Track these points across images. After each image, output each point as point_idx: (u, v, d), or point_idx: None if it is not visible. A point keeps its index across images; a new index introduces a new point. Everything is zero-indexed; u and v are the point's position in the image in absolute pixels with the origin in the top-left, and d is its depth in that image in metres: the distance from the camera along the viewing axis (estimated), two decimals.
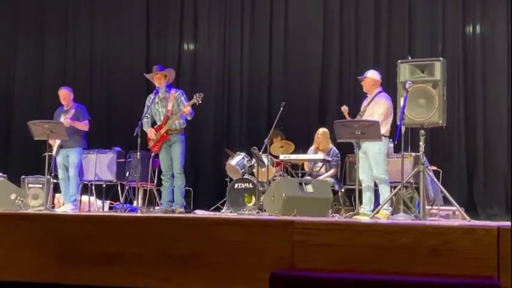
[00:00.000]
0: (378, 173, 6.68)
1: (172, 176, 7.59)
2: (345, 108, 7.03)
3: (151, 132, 7.57)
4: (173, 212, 7.42)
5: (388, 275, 3.18)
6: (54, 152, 7.90)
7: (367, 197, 6.79)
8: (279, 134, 8.98)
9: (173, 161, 7.56)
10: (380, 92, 6.94)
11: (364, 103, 7.01)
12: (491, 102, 9.49)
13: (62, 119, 7.94)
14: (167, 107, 7.58)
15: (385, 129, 6.69)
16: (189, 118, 7.65)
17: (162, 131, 7.54)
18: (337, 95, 10.05)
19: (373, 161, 6.69)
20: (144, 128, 7.58)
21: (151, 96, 7.71)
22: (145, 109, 7.69)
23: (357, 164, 6.73)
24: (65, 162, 7.97)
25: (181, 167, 7.56)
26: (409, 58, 6.18)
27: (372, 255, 3.47)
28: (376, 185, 6.83)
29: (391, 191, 6.69)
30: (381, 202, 6.67)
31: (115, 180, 8.80)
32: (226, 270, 3.68)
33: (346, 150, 8.29)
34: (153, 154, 7.91)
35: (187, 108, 7.46)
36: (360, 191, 6.74)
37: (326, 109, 10.14)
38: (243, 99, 10.75)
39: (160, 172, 7.97)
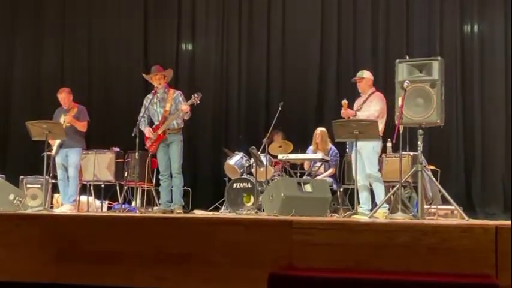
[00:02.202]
0: (371, 171, 6.71)
1: (170, 176, 7.59)
2: (345, 102, 7.03)
3: (149, 132, 7.58)
4: (172, 212, 7.42)
5: (387, 274, 3.19)
6: (53, 152, 7.88)
7: (364, 196, 6.80)
8: (280, 134, 8.98)
9: (171, 161, 7.56)
10: (374, 92, 7.03)
11: (359, 102, 7.05)
12: (489, 102, 9.50)
13: (63, 119, 7.92)
14: (165, 108, 7.59)
15: (379, 128, 6.69)
16: (185, 118, 7.65)
17: (159, 131, 7.55)
18: (335, 95, 10.05)
19: (367, 159, 6.72)
20: (141, 127, 7.58)
21: (150, 96, 7.73)
22: (143, 109, 7.70)
23: (353, 163, 6.74)
24: (63, 162, 7.96)
25: (180, 167, 7.57)
26: (407, 58, 6.20)
27: (371, 255, 3.47)
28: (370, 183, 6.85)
29: (389, 190, 6.70)
30: (376, 200, 6.69)
31: (113, 181, 8.79)
32: (225, 269, 3.68)
33: (345, 150, 8.30)
34: (150, 154, 7.91)
35: (185, 107, 7.46)
36: (358, 191, 6.76)
37: (324, 109, 10.16)
38: (241, 98, 10.76)
39: (158, 172, 7.97)
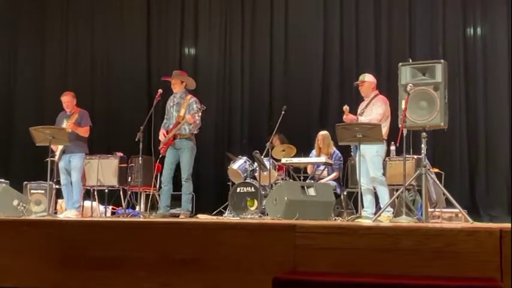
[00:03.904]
0: (376, 175, 6.70)
1: (172, 180, 7.59)
2: (346, 108, 7.04)
3: (161, 135, 7.61)
4: (170, 216, 7.40)
5: (391, 277, 3.18)
6: (56, 158, 7.85)
7: (368, 199, 6.80)
8: (280, 137, 8.97)
9: (181, 167, 7.57)
10: (377, 95, 7.00)
11: (362, 106, 7.04)
12: (492, 104, 9.49)
13: (65, 124, 7.91)
14: (179, 113, 7.60)
15: (382, 131, 6.69)
16: (193, 128, 7.61)
17: (170, 135, 7.56)
18: (338, 98, 10.06)
19: (371, 163, 6.71)
20: (161, 128, 7.69)
21: (169, 100, 7.77)
22: (166, 111, 7.78)
23: (358, 166, 6.74)
24: (67, 167, 7.95)
25: (189, 174, 7.56)
26: (410, 61, 6.19)
27: (375, 258, 3.46)
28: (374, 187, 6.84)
29: (393, 193, 6.69)
30: (380, 203, 6.68)
31: (117, 186, 8.80)
32: (229, 274, 3.67)
33: (348, 153, 8.30)
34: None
35: (189, 117, 7.46)
36: (362, 194, 6.75)
37: (328, 112, 10.16)
38: (244, 103, 10.77)
39: (161, 176, 7.96)
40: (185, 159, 7.55)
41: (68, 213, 7.84)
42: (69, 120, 7.91)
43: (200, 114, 7.54)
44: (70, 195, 7.96)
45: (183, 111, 7.60)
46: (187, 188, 7.56)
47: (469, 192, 9.37)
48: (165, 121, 7.76)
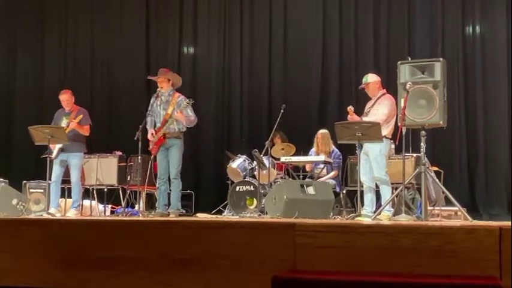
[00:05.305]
0: (379, 174, 6.68)
1: (168, 179, 7.58)
2: (350, 108, 7.02)
3: (150, 134, 7.56)
4: (168, 215, 7.40)
5: (391, 276, 3.18)
6: (53, 155, 7.75)
7: (369, 198, 6.79)
8: (280, 135, 8.98)
9: (170, 165, 7.53)
10: (384, 94, 6.96)
11: (368, 105, 7.01)
12: (491, 103, 9.50)
13: (64, 122, 7.86)
14: (167, 111, 7.57)
15: (387, 130, 6.69)
16: (188, 125, 7.61)
17: (160, 134, 7.53)
18: (338, 97, 10.08)
19: (374, 162, 6.69)
20: (147, 127, 7.57)
21: (155, 96, 7.72)
22: (149, 106, 7.70)
23: (358, 165, 6.74)
24: (62, 164, 7.84)
25: (178, 172, 7.53)
26: (409, 59, 6.19)
27: (374, 257, 3.46)
28: (377, 186, 6.83)
29: (392, 192, 6.69)
30: (382, 203, 6.67)
31: (116, 185, 8.80)
32: (228, 273, 3.67)
33: (348, 152, 8.30)
34: (152, 157, 7.90)
35: (179, 115, 7.43)
36: (362, 193, 6.75)
37: (326, 111, 10.16)
38: (243, 102, 10.77)
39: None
40: (174, 157, 7.53)
41: (69, 213, 7.78)
42: (69, 118, 7.87)
43: (191, 108, 7.51)
44: (57, 194, 7.83)
45: (171, 109, 7.56)
46: (176, 186, 7.55)
47: (469, 191, 9.38)
48: (149, 118, 7.62)
